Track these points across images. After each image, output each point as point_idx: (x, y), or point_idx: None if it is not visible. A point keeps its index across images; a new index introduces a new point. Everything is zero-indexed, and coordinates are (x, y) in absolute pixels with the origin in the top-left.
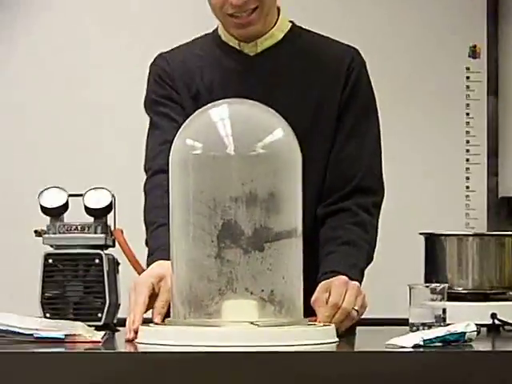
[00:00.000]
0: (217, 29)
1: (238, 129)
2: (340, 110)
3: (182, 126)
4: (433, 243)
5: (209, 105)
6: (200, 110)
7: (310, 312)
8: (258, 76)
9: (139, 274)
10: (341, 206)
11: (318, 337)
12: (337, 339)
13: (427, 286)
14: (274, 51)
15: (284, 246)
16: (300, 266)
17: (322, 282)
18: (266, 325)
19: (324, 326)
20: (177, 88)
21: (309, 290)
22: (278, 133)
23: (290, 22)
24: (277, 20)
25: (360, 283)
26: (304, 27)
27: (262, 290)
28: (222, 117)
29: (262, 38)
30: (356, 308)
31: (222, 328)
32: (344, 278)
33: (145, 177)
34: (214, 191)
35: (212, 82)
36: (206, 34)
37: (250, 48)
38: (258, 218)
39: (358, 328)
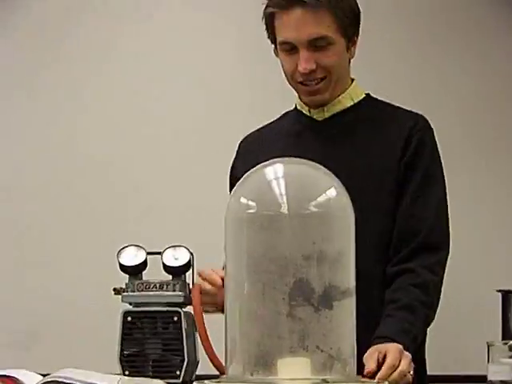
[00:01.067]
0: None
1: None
2: (404, 174)
3: (236, 185)
4: (510, 300)
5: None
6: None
7: None
8: (320, 140)
9: (204, 342)
10: (404, 267)
11: None
12: None
13: (506, 343)
14: (340, 117)
15: (348, 304)
16: (354, 324)
17: (375, 346)
18: (336, 381)
19: (378, 382)
20: (236, 173)
21: (360, 350)
22: (331, 192)
23: (366, 94)
24: (347, 88)
25: (411, 349)
26: (379, 98)
27: (331, 348)
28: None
29: (330, 105)
30: (411, 373)
31: None
32: (399, 346)
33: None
34: (285, 250)
35: (281, 146)
36: (289, 110)
37: (317, 114)
38: (327, 277)
39: None
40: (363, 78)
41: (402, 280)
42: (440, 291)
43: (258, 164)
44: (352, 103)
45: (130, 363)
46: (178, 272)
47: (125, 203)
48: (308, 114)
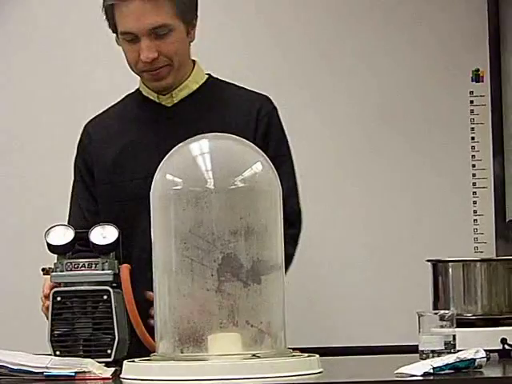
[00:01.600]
0: (138, 88)
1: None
2: None
3: (162, 162)
4: (440, 270)
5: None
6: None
7: None
8: (174, 126)
9: (134, 321)
10: None
11: (315, 366)
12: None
13: (436, 313)
14: (189, 101)
15: (276, 279)
16: (283, 298)
17: None
18: (266, 355)
19: (309, 356)
20: (91, 160)
21: None
22: (257, 166)
23: (207, 74)
24: (191, 72)
25: None
26: (221, 78)
27: (261, 322)
28: None
29: (177, 90)
30: None
31: (224, 360)
32: None
33: None
34: (212, 225)
35: (132, 137)
36: (128, 95)
37: (166, 100)
38: (255, 251)
39: (367, 356)
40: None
41: None
42: None
43: (112, 152)
44: (197, 86)
45: (61, 343)
46: (106, 250)
47: (53, 182)
48: (157, 100)
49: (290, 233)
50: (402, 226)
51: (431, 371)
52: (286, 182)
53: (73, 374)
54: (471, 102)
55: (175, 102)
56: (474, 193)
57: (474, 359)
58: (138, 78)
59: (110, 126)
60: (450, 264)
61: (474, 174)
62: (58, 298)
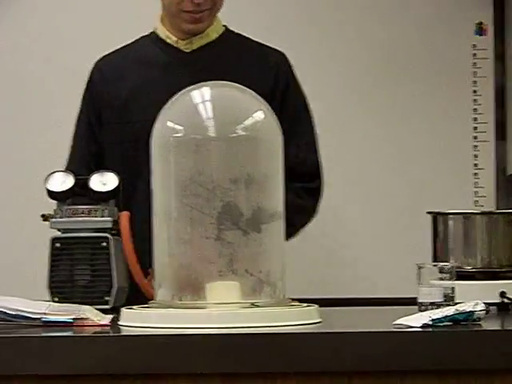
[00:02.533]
0: (153, 30)
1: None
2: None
3: (163, 110)
4: (440, 222)
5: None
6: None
7: None
8: (189, 71)
9: (133, 269)
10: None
11: (314, 316)
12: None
13: (435, 266)
14: (207, 50)
15: (276, 228)
16: (283, 248)
17: None
18: (265, 305)
19: (308, 306)
20: (100, 99)
21: None
22: (258, 115)
23: (224, 26)
24: (214, 21)
25: None
26: (236, 32)
27: (260, 271)
28: None
29: (198, 37)
30: None
31: (222, 309)
32: None
33: None
34: (213, 173)
35: (145, 78)
36: (142, 36)
37: (185, 45)
38: (255, 200)
39: (366, 308)
40: None
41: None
42: None
43: (123, 92)
44: (217, 35)
45: (59, 289)
46: (105, 198)
47: (54, 129)
48: (175, 44)
49: (312, 186)
50: (403, 179)
51: (430, 323)
52: (305, 138)
53: (71, 320)
54: (474, 55)
55: (194, 48)
56: (475, 146)
57: (473, 312)
58: (157, 18)
59: (123, 65)
60: (451, 216)
61: (475, 128)
62: (57, 245)
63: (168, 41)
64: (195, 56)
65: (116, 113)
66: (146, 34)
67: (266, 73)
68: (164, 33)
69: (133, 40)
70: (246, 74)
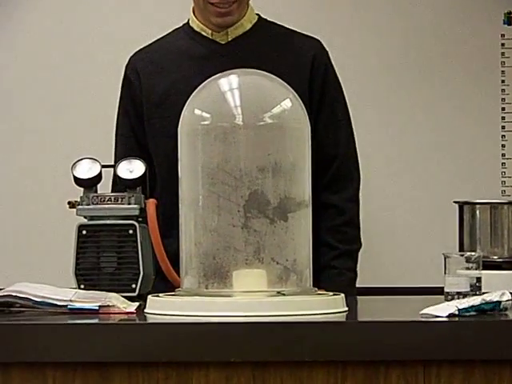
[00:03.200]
0: (187, 22)
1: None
2: (313, 99)
3: (190, 98)
4: (467, 211)
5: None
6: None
7: None
8: (228, 63)
9: (159, 257)
10: (328, 201)
11: (340, 305)
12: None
13: (462, 255)
14: (244, 40)
15: (303, 216)
16: (310, 236)
17: None
18: (291, 293)
19: (334, 295)
20: (140, 96)
21: None
22: (286, 103)
23: (257, 14)
24: (246, 11)
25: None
26: (269, 19)
27: (287, 260)
28: None
29: (233, 28)
30: None
31: (248, 297)
32: None
33: None
34: (240, 161)
35: (183, 72)
36: (176, 29)
37: (221, 37)
38: (283, 189)
39: (392, 297)
40: None
41: (331, 218)
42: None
43: (162, 87)
44: (251, 25)
45: (86, 277)
46: (132, 185)
47: (80, 116)
48: (210, 36)
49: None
50: (430, 168)
51: (456, 312)
52: (344, 147)
53: (96, 307)
54: (502, 44)
55: (229, 39)
56: (503, 136)
57: (500, 302)
58: (190, 11)
59: (159, 60)
60: (478, 206)
61: (503, 118)
62: (84, 232)
63: (203, 33)
64: (231, 47)
65: (156, 108)
66: (179, 26)
67: (304, 60)
68: (198, 25)
69: (165, 33)
70: (283, 63)
